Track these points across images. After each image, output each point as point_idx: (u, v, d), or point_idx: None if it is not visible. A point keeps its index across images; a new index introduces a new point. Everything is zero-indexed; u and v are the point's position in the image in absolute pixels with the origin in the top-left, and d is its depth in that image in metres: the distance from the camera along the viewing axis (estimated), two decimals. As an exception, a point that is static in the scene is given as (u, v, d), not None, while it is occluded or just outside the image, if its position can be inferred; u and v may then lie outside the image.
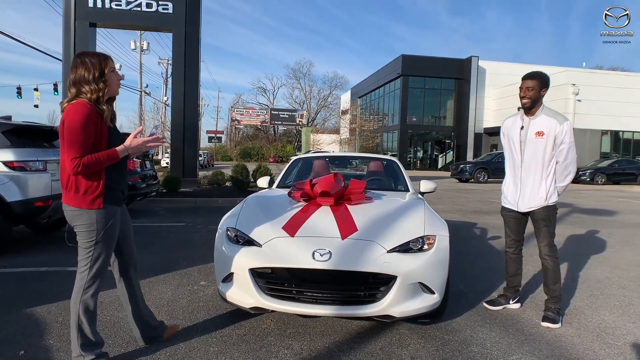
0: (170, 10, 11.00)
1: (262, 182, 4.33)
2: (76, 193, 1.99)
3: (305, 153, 36.71)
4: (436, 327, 2.82)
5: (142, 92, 35.71)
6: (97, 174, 1.99)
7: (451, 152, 33.91)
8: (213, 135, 53.06)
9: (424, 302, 2.57)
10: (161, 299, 3.31)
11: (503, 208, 3.20)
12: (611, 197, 13.22)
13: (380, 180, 4.37)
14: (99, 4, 10.66)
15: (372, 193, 3.52)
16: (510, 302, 3.20)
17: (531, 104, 2.90)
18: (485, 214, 8.61)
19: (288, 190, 3.52)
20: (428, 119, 34.75)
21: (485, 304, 3.21)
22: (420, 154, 35.30)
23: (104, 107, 2.01)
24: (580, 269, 4.40)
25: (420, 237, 2.70)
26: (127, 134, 2.29)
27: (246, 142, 56.03)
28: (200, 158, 34.47)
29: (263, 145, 49.93)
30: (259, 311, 2.63)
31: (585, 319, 3.04)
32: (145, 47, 36.32)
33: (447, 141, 34.61)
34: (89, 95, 1.96)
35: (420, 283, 2.55)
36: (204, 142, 54.73)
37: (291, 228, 2.73)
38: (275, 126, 51.86)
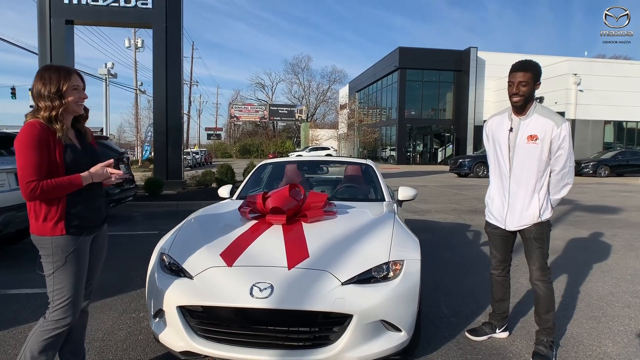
0: (150, 5, 10.52)
1: (223, 191, 3.88)
2: (36, 220, 1.85)
3: (304, 149, 36.28)
4: (406, 368, 2.38)
5: (137, 91, 35.20)
6: (56, 198, 1.84)
7: (451, 146, 33.33)
8: (212, 132, 52.71)
9: (388, 343, 2.13)
10: (97, 330, 2.89)
11: (487, 224, 2.73)
12: (615, 192, 12.72)
13: (352, 188, 3.90)
14: (75, 0, 10.18)
15: (338, 205, 3.07)
16: (497, 331, 2.76)
17: (524, 102, 2.41)
18: (481, 214, 8.10)
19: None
20: (427, 112, 34.11)
21: (467, 334, 2.77)
22: (419, 148, 34.72)
23: (58, 127, 1.84)
24: (579, 282, 3.95)
25: (385, 264, 2.26)
26: (96, 153, 2.09)
27: (245, 138, 55.46)
28: (197, 156, 34.29)
29: (262, 142, 49.43)
30: (190, 356, 2.20)
31: (583, 351, 2.60)
32: (139, 44, 35.76)
33: (446, 134, 34.00)
34: (42, 112, 1.83)
35: (382, 321, 2.12)
36: (203, 139, 54.51)
37: (230, 255, 2.30)
38: (275, 122, 51.34)
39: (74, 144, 1.94)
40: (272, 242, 2.42)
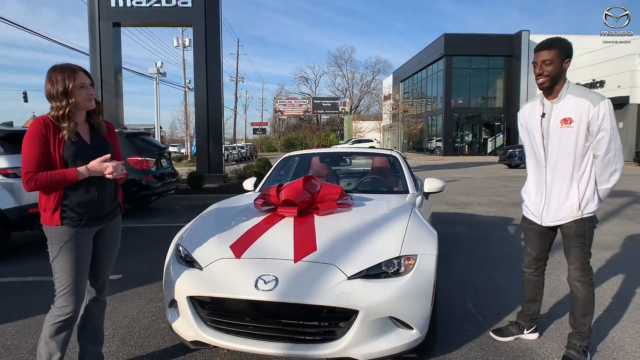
0: (190, 4, 10.86)
1: (248, 184, 3.92)
2: (40, 210, 1.97)
3: (347, 141, 36.06)
4: (421, 367, 2.28)
5: (186, 88, 36.66)
6: (54, 190, 1.93)
7: (501, 136, 31.72)
8: (257, 127, 53.96)
9: (398, 340, 2.04)
10: (124, 317, 3.02)
11: (524, 219, 2.52)
12: (687, 182, 11.47)
13: (375, 180, 3.78)
14: (121, 3, 10.73)
15: (356, 198, 2.98)
16: (525, 331, 2.56)
17: (550, 83, 2.20)
18: (527, 207, 7.65)
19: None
20: (476, 101, 32.64)
21: (491, 334, 2.60)
22: (468, 138, 33.34)
23: (66, 125, 1.92)
24: (630, 282, 3.58)
25: (396, 258, 2.16)
26: (107, 146, 2.10)
27: (290, 132, 56.13)
28: (242, 150, 35.24)
29: (306, 135, 49.74)
30: (200, 346, 2.24)
31: (624, 357, 2.34)
32: (187, 43, 37.11)
33: (496, 124, 32.38)
34: (53, 111, 1.93)
35: (391, 317, 2.03)
36: (249, 133, 55.98)
37: (239, 247, 2.30)
38: (318, 115, 51.50)
39: (80, 140, 1.98)
40: (281, 234, 2.40)
